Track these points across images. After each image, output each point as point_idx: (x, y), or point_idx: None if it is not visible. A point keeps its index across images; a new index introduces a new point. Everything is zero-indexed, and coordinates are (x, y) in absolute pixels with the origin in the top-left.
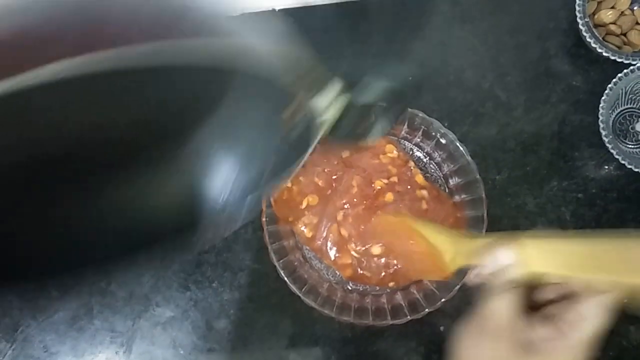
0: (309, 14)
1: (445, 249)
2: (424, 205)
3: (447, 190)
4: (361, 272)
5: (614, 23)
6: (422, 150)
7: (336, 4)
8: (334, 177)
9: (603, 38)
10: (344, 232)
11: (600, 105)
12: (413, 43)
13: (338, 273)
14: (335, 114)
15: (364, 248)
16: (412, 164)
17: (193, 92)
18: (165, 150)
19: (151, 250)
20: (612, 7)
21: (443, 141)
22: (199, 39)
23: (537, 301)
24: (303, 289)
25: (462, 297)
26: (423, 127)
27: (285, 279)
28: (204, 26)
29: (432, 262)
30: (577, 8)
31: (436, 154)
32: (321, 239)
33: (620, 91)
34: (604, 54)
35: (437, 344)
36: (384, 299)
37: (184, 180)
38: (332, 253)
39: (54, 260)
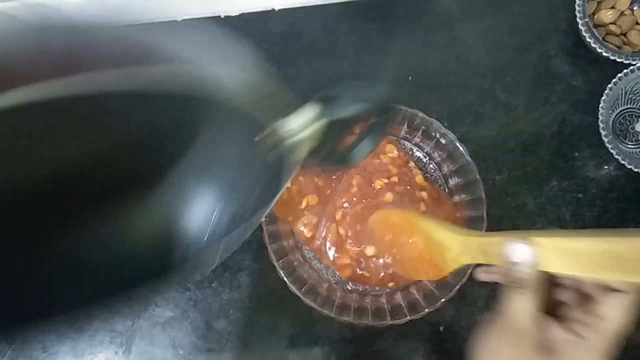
0: (309, 13)
1: (451, 246)
2: (423, 206)
3: (446, 191)
4: (360, 272)
5: (613, 23)
6: (421, 150)
7: (336, 3)
8: (333, 176)
9: (603, 38)
10: (342, 231)
11: (600, 105)
12: (413, 43)
13: (337, 273)
14: (311, 134)
15: (358, 249)
16: (412, 164)
17: (166, 121)
18: (143, 186)
19: (132, 290)
20: (612, 7)
21: (443, 141)
22: (168, 68)
23: (551, 302)
24: (303, 289)
25: (461, 297)
26: (423, 127)
27: (285, 279)
28: (173, 59)
29: (430, 260)
30: (577, 8)
31: (436, 154)
32: (320, 239)
33: (620, 91)
34: (604, 54)
35: (436, 344)
36: (383, 299)
37: (164, 217)
38: (331, 253)
39: (28, 308)
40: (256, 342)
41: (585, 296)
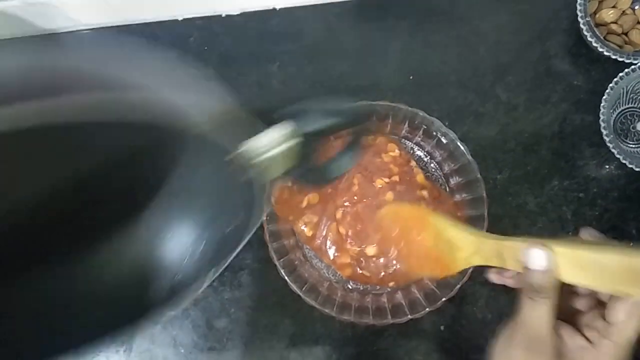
0: (310, 12)
1: (463, 246)
2: (424, 205)
3: (447, 190)
4: (360, 271)
5: (615, 22)
6: (422, 149)
7: (337, 2)
8: None
9: (604, 37)
10: (342, 231)
11: (601, 104)
12: (413, 42)
13: (338, 272)
14: (282, 150)
15: (358, 249)
16: (413, 163)
17: (139, 151)
18: (122, 222)
19: (112, 329)
20: (613, 7)
21: (444, 140)
22: (132, 97)
23: (563, 307)
24: (303, 288)
25: (462, 297)
26: (424, 126)
27: (286, 278)
28: (136, 89)
29: (437, 258)
30: (578, 7)
31: (437, 153)
32: (321, 238)
33: (622, 90)
34: (605, 53)
35: (437, 343)
36: (384, 298)
37: (143, 252)
38: (332, 252)
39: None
40: (257, 341)
41: (597, 302)
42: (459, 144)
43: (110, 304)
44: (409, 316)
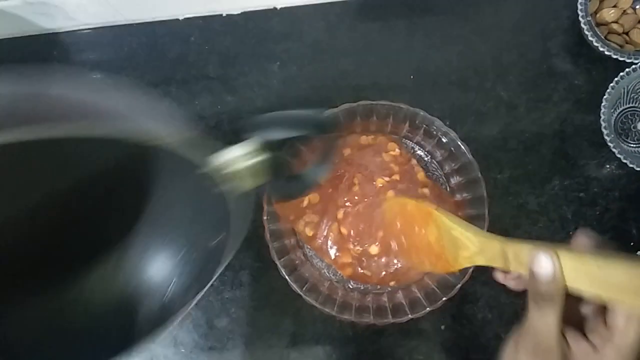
0: (310, 12)
1: (467, 245)
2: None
3: (448, 189)
4: (361, 271)
5: (616, 22)
6: (423, 148)
7: (338, 2)
8: (336, 174)
9: (605, 37)
10: (343, 231)
11: (602, 104)
12: (414, 42)
13: (339, 272)
14: (250, 162)
15: (361, 249)
16: (414, 162)
17: (114, 173)
18: (107, 248)
19: (105, 356)
20: (614, 6)
21: (444, 140)
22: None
23: (570, 313)
24: (304, 288)
25: (462, 296)
26: (424, 125)
27: (286, 277)
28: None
29: (439, 254)
30: (579, 7)
31: (437, 152)
32: (321, 238)
33: (622, 90)
34: (606, 53)
35: (438, 343)
36: (385, 298)
37: (130, 275)
38: (332, 252)
39: None
40: (258, 341)
41: (603, 307)
42: (459, 143)
43: (101, 330)
44: (410, 316)
